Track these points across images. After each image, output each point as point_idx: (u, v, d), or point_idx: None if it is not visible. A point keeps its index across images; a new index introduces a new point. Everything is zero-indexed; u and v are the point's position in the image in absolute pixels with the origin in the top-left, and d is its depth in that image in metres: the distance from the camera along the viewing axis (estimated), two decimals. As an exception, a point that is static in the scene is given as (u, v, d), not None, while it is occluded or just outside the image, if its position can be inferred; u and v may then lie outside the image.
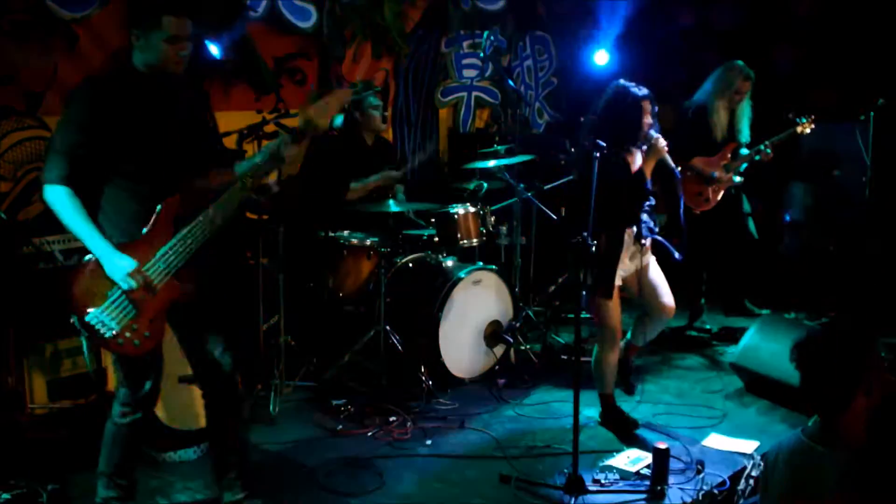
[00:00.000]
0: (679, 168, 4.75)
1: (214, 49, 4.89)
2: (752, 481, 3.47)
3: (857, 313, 5.83)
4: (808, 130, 5.62)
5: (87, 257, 3.00)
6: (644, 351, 5.06)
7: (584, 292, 3.72)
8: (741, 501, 3.45)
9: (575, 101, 7.41)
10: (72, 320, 2.99)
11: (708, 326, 6.02)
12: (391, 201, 4.99)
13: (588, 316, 4.24)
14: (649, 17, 7.11)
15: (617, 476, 3.80)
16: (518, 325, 5.26)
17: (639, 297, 4.36)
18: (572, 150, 5.86)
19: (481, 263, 5.21)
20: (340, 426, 4.42)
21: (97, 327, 2.97)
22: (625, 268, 4.22)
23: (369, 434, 4.34)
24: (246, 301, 4.68)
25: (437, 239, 5.21)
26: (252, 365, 4.61)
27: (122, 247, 2.99)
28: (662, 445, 3.71)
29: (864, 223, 6.09)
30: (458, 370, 4.98)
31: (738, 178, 5.72)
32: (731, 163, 5.66)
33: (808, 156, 6.45)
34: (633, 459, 3.95)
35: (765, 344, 4.76)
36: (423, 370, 4.83)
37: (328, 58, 5.90)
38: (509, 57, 7.34)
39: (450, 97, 6.96)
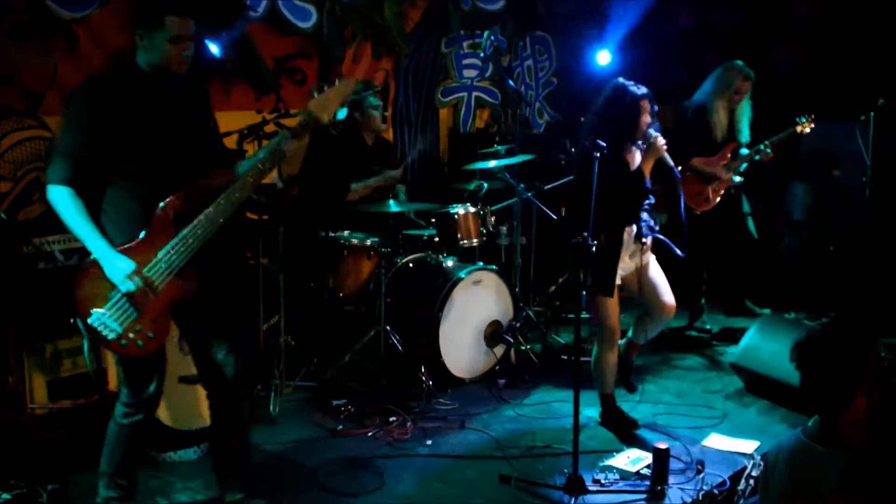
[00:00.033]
0: (679, 168, 4.75)
1: (214, 48, 4.89)
2: (752, 481, 3.47)
3: (857, 313, 5.83)
4: (807, 130, 5.63)
5: (90, 258, 3.00)
6: (644, 351, 5.06)
7: (584, 292, 3.72)
8: (741, 501, 3.45)
9: (575, 101, 7.40)
10: (76, 322, 3.00)
11: (708, 326, 6.03)
12: (391, 201, 4.99)
13: (587, 316, 4.24)
14: (649, 17, 7.11)
15: (617, 476, 3.80)
16: (518, 325, 5.26)
17: (639, 295, 4.35)
18: (572, 150, 5.85)
19: (481, 263, 5.21)
20: (340, 426, 4.42)
21: (100, 329, 2.97)
22: (625, 266, 4.22)
23: (369, 434, 4.34)
24: (246, 301, 4.68)
25: (437, 239, 5.21)
26: (252, 365, 4.61)
27: (123, 248, 2.99)
28: (662, 445, 3.71)
29: (864, 223, 6.10)
30: (459, 370, 4.98)
31: (737, 178, 5.72)
32: (730, 163, 5.66)
33: (809, 156, 6.45)
34: (633, 459, 3.95)
35: (765, 344, 4.76)
36: (423, 370, 4.83)
37: (328, 58, 5.89)
38: (509, 57, 7.34)
39: (450, 97, 6.96)
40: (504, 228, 5.68)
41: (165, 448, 3.96)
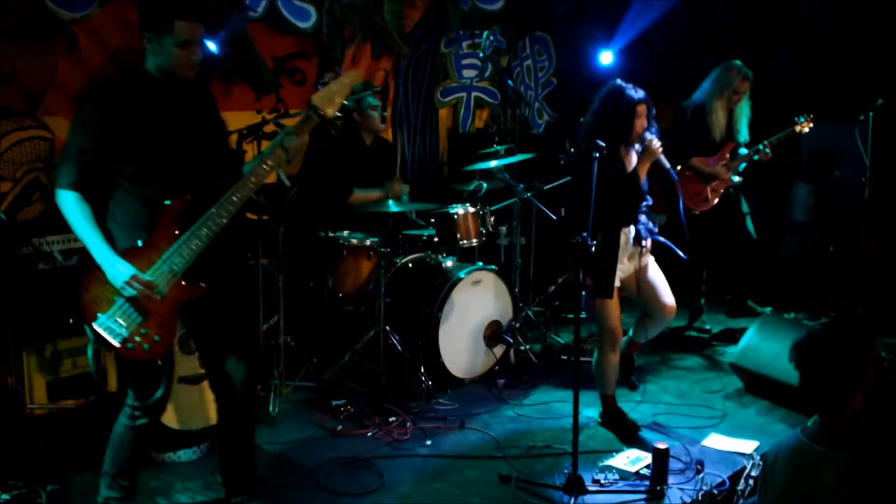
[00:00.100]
0: (678, 168, 4.76)
1: (212, 45, 4.88)
2: (751, 481, 3.48)
3: (857, 313, 5.84)
4: (806, 129, 5.63)
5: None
6: (644, 351, 5.06)
7: (583, 292, 3.72)
8: (741, 501, 3.46)
9: (574, 102, 7.40)
10: (83, 327, 3.00)
11: (707, 326, 6.03)
12: (391, 201, 4.99)
13: (585, 316, 4.24)
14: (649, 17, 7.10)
15: (616, 476, 3.80)
16: (518, 325, 5.26)
17: (638, 297, 4.35)
18: (571, 150, 5.86)
19: (481, 264, 5.21)
20: (340, 426, 4.42)
21: (105, 333, 2.97)
22: (624, 268, 4.22)
23: (369, 434, 4.34)
24: (247, 302, 4.68)
25: (436, 239, 5.21)
26: (252, 365, 4.61)
27: (127, 252, 2.99)
28: (662, 445, 3.71)
29: (864, 223, 6.10)
30: (458, 370, 4.99)
31: (736, 178, 5.72)
32: (729, 162, 5.67)
33: (809, 156, 6.45)
34: (632, 459, 3.95)
35: (764, 344, 4.76)
36: (422, 370, 4.84)
37: (328, 58, 5.89)
38: (508, 57, 7.33)
39: (449, 97, 6.96)
40: (503, 228, 5.68)
41: (165, 448, 3.96)
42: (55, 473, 3.66)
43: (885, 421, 2.57)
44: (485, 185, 5.47)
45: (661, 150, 4.13)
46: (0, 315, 4.01)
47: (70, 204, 2.97)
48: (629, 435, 4.28)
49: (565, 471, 3.74)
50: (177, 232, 3.03)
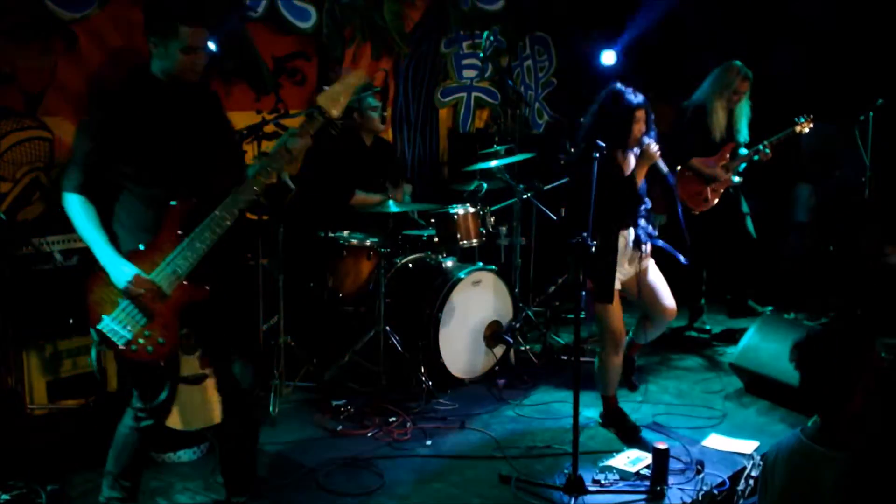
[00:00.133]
0: (678, 168, 4.75)
1: (211, 44, 4.88)
2: (751, 481, 3.48)
3: (857, 313, 5.83)
4: (806, 130, 5.63)
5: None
6: (644, 351, 5.07)
7: (583, 292, 3.72)
8: (741, 502, 3.46)
9: (575, 102, 7.40)
10: (88, 328, 3.01)
11: (708, 327, 6.03)
12: (391, 201, 4.99)
13: (585, 316, 4.24)
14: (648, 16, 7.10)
15: (617, 476, 3.80)
16: (518, 325, 5.26)
17: (639, 300, 4.35)
18: (571, 150, 5.86)
19: (481, 264, 5.21)
20: (340, 427, 4.42)
21: (110, 335, 2.97)
22: (624, 272, 4.22)
23: (369, 434, 4.34)
24: (247, 302, 4.68)
25: (436, 239, 5.21)
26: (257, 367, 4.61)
27: (131, 254, 3.00)
28: (662, 445, 3.71)
29: (864, 223, 6.09)
30: (458, 370, 4.99)
31: (736, 178, 5.72)
32: (729, 163, 5.67)
33: (810, 156, 6.45)
34: (632, 460, 3.95)
35: (764, 344, 4.76)
36: (422, 370, 4.83)
37: (328, 58, 5.89)
38: (509, 57, 7.33)
39: (449, 97, 6.95)
40: (504, 229, 5.68)
41: (166, 448, 3.96)
42: (55, 473, 3.66)
43: (885, 421, 2.56)
44: (485, 185, 5.47)
45: (658, 153, 4.13)
46: (0, 315, 4.01)
47: (76, 207, 2.99)
48: (630, 436, 4.28)
49: (565, 471, 3.74)
50: (181, 234, 3.03)
